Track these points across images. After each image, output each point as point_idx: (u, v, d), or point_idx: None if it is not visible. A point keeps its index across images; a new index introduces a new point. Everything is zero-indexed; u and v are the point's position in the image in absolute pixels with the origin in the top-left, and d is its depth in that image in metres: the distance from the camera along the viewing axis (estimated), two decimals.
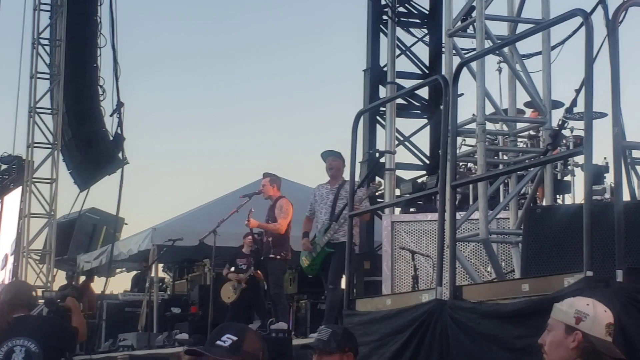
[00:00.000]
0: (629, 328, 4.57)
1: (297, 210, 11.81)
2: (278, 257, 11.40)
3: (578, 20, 5.64)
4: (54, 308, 7.89)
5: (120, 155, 19.25)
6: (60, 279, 19.63)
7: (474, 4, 7.94)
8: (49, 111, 19.65)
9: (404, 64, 13.73)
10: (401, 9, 13.52)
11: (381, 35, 13.44)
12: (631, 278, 4.75)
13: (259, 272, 12.02)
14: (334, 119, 33.44)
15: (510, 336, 5.18)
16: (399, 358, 5.97)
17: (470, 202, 9.71)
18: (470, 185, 9.68)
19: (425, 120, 13.91)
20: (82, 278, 17.24)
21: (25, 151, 19.48)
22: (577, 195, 10.86)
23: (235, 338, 3.25)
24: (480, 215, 7.14)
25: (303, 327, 13.51)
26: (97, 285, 18.02)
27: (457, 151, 7.68)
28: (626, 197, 6.74)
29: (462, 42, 8.55)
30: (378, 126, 13.19)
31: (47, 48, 19.93)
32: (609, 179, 10.68)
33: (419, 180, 12.87)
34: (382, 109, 12.84)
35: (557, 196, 10.46)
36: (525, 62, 8.14)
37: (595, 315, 3.68)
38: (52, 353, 7.14)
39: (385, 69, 13.21)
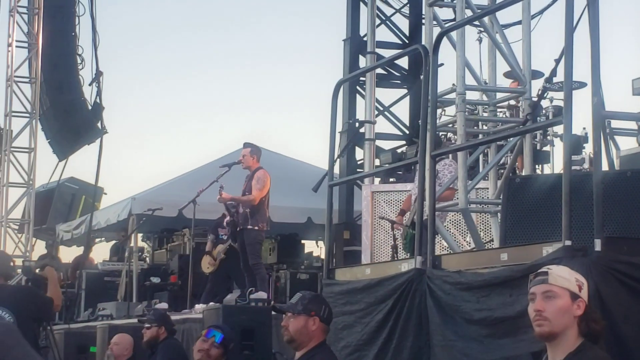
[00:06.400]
0: (607, 297, 4.60)
1: (275, 181, 11.82)
2: (256, 227, 11.28)
3: None
4: (31, 277, 7.89)
5: (99, 124, 19.12)
6: (40, 248, 19.60)
7: None
8: (27, 80, 19.50)
9: (384, 34, 13.72)
10: None
11: (361, 5, 13.40)
12: (609, 247, 4.76)
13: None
14: (314, 89, 33.40)
15: (471, 308, 5.21)
16: (382, 327, 5.99)
17: None
18: (450, 155, 9.69)
19: (405, 91, 13.92)
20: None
21: (4, 120, 19.34)
22: (556, 165, 10.91)
23: None
24: (459, 185, 7.14)
25: (282, 296, 13.52)
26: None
27: (437, 121, 7.67)
28: (605, 167, 6.76)
29: (443, 13, 8.53)
30: (358, 96, 13.18)
31: (25, 17, 19.75)
32: (588, 149, 10.71)
33: (399, 151, 12.87)
34: (362, 78, 12.82)
35: (536, 166, 10.48)
36: (506, 32, 8.11)
37: (587, 284, 3.72)
38: (26, 322, 7.12)
39: (365, 38, 13.18)
